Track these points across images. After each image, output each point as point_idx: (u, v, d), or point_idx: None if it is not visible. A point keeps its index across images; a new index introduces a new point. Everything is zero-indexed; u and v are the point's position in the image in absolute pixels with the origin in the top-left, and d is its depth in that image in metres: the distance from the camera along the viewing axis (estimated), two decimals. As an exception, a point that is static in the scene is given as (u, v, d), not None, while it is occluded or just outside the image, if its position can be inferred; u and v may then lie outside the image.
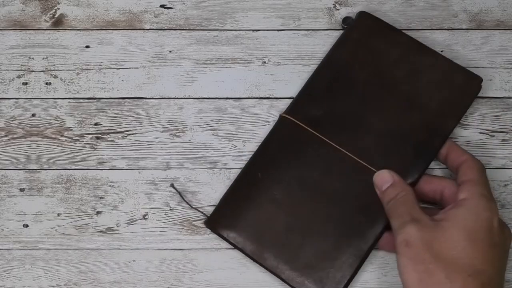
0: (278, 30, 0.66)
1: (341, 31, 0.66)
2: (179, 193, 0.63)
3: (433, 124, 0.62)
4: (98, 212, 0.63)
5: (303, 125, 0.62)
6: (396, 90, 0.63)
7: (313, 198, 0.61)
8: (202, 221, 0.62)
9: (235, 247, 0.61)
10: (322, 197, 0.61)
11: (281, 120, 0.63)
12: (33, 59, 0.65)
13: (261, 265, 0.60)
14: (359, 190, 0.61)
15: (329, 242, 0.60)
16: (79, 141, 0.64)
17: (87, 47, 0.65)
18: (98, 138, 0.64)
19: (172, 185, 0.63)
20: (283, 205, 0.61)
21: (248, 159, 0.63)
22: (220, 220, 0.61)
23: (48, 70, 0.65)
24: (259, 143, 0.63)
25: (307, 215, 0.61)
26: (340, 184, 0.61)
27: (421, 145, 0.61)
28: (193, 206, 0.62)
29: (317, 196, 0.61)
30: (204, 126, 0.64)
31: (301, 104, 0.63)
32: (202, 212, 0.62)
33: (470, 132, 0.65)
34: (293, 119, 0.62)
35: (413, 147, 0.61)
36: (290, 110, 0.63)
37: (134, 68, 0.65)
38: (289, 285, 0.60)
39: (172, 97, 0.65)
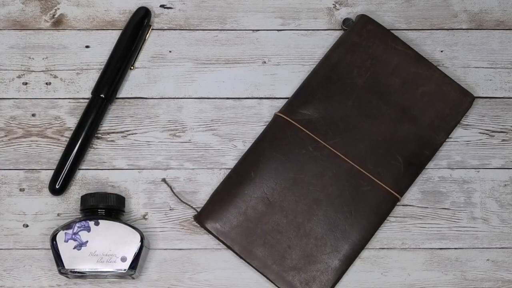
0: (278, 30, 0.66)
1: (341, 32, 0.66)
2: (170, 187, 0.63)
3: (424, 137, 0.62)
4: (98, 212, 0.63)
5: (298, 125, 0.62)
6: (391, 99, 0.63)
7: (304, 200, 0.61)
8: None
9: (224, 244, 0.61)
10: (313, 200, 0.61)
11: (276, 119, 0.63)
12: (33, 59, 0.65)
13: (249, 264, 0.61)
14: (350, 195, 0.61)
15: (316, 245, 0.60)
16: (79, 141, 0.64)
17: (87, 47, 0.65)
18: (98, 138, 0.64)
19: (163, 180, 0.63)
20: (274, 206, 0.61)
21: (241, 156, 0.63)
22: (209, 215, 0.61)
23: (48, 70, 0.65)
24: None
25: (297, 217, 0.61)
26: (332, 188, 0.61)
27: (412, 157, 0.62)
28: (183, 201, 0.62)
29: (308, 199, 0.61)
30: (204, 126, 0.64)
31: (297, 104, 0.63)
32: (191, 207, 0.62)
33: (470, 132, 0.65)
34: (288, 119, 0.62)
35: (403, 157, 0.62)
36: (285, 109, 0.63)
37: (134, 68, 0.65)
38: (276, 285, 0.60)
39: (172, 97, 0.65)
